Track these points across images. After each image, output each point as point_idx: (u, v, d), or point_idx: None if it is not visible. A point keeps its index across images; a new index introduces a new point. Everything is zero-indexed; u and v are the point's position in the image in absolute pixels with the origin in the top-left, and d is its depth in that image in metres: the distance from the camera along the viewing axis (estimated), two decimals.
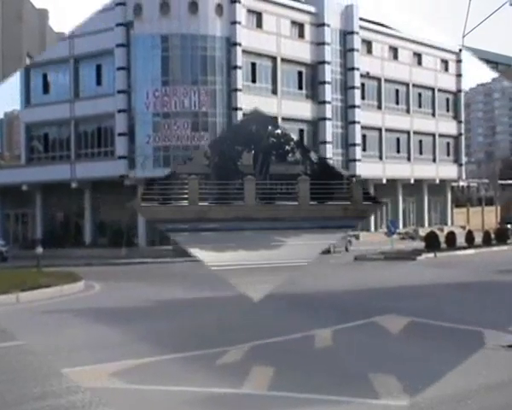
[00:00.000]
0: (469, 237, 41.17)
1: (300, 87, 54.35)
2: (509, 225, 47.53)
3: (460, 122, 68.63)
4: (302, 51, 53.82)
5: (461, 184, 71.86)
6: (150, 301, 19.55)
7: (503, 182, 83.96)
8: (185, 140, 45.56)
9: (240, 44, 47.94)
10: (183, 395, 9.46)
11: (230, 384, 9.84)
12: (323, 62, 54.84)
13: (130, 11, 45.84)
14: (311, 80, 54.75)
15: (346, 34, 57.21)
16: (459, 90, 68.31)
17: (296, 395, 9.28)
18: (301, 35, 54.10)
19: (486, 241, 41.82)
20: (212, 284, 23.33)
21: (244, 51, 48.53)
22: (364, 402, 8.91)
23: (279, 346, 12.67)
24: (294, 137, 53.37)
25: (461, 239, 40.64)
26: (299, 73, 54.27)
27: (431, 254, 35.21)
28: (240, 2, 47.91)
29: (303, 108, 53.87)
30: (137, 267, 33.73)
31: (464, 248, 39.03)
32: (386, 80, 61.24)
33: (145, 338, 13.63)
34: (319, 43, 54.71)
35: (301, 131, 54.50)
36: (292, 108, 52.35)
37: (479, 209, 61.18)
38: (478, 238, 41.77)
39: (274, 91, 51.76)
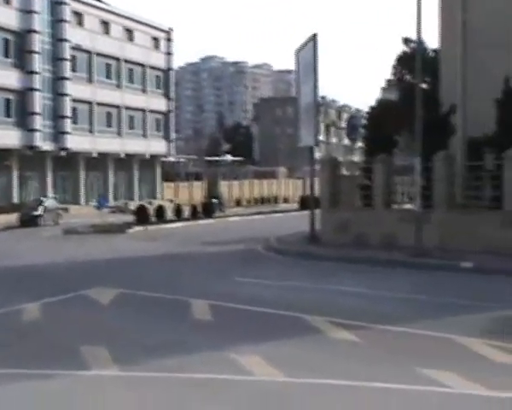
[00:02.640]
0: (178, 211, 42.58)
1: (7, 55, 52.15)
2: (214, 200, 49.68)
3: (170, 99, 70.17)
4: (8, 18, 51.62)
5: (170, 159, 73.66)
6: None
7: (209, 158, 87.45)
8: None
9: None
10: None
11: None
12: (32, 31, 53.06)
13: None
14: (18, 49, 52.72)
15: (55, 4, 55.81)
16: (169, 68, 69.76)
17: (1, 371, 9.07)
18: (8, 1, 51.87)
19: (194, 214, 43.46)
20: None
21: None
22: (75, 374, 8.94)
23: None
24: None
25: (170, 213, 41.88)
26: (6, 41, 52.01)
27: (141, 227, 35.85)
28: None
29: (9, 77, 51.78)
30: None
31: (173, 221, 40.22)
32: (98, 54, 60.80)
33: None
34: (28, 11, 52.80)
35: (8, 100, 52.35)
36: None
37: (187, 184, 63.17)
38: (186, 212, 43.38)
39: None
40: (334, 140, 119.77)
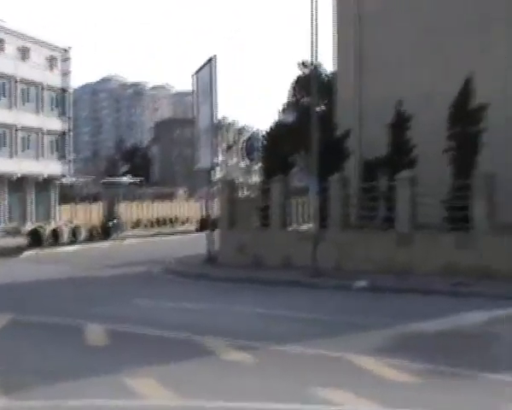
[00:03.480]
0: (75, 233, 41.78)
1: None
2: (112, 222, 49.01)
3: (67, 120, 68.94)
4: None
5: (67, 180, 72.23)
6: None
7: (107, 179, 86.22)
8: None
9: None
10: None
11: None
12: None
13: None
14: None
15: None
16: (66, 88, 68.55)
17: None
18: None
19: (91, 237, 42.74)
20: None
21: None
22: None
23: None
24: None
25: (66, 235, 41.02)
26: None
27: (35, 251, 34.97)
28: None
29: None
30: None
31: (69, 243, 39.44)
32: None
33: None
34: None
35: None
36: None
37: (85, 206, 62.03)
38: (84, 234, 42.58)
39: None
40: (233, 161, 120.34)
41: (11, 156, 62.28)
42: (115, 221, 50.21)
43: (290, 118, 37.64)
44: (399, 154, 21.71)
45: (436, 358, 10.42)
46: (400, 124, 22.05)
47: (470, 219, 19.30)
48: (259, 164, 26.51)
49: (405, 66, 24.83)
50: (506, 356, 10.82)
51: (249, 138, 27.06)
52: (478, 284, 17.47)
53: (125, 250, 36.19)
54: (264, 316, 14.86)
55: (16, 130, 62.47)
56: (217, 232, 25.35)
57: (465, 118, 20.49)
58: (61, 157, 67.86)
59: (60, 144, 67.97)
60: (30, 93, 64.35)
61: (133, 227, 58.89)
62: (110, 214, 54.44)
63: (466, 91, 20.55)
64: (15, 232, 50.56)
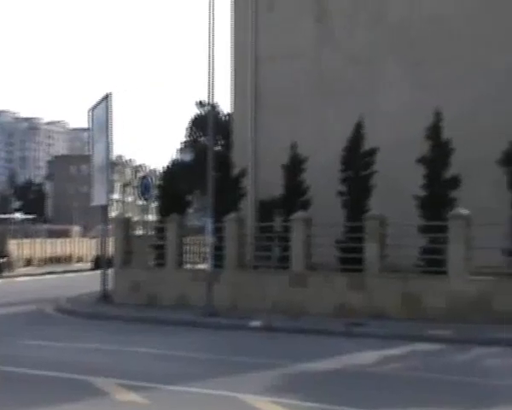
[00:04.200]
0: None
1: None
2: (1, 259, 47.55)
3: None
4: None
5: None
6: None
7: None
8: None
9: None
10: None
11: None
12: None
13: None
14: None
15: None
16: None
17: None
18: None
19: None
20: None
21: None
22: None
23: None
24: None
25: None
26: None
27: None
28: None
29: None
30: None
31: None
32: None
33: None
34: None
35: None
36: None
37: None
38: None
39: None
40: (129, 199, 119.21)
41: None
42: (5, 259, 48.73)
43: (187, 157, 37.71)
44: (294, 195, 22.03)
45: (324, 397, 10.54)
46: (295, 165, 22.40)
47: (362, 261, 19.71)
48: (155, 203, 26.35)
49: (302, 108, 25.32)
50: (391, 394, 11.05)
51: (145, 177, 26.86)
52: (370, 325, 17.80)
53: (16, 289, 35.07)
54: (157, 356, 14.68)
55: None
56: (111, 271, 24.96)
57: (357, 161, 21.03)
58: None
59: None
60: None
61: (25, 265, 57.19)
62: (0, 251, 52.80)
63: (357, 135, 21.12)
64: None
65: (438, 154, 19.77)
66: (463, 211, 18.54)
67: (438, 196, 19.54)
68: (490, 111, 21.96)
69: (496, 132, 20.66)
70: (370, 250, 19.59)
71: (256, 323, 18.59)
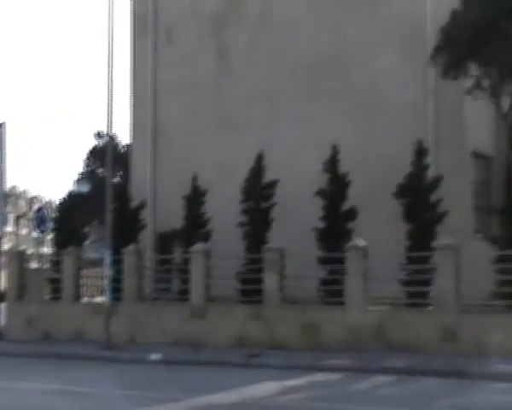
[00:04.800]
0: None
1: None
2: None
3: None
4: None
5: None
6: None
7: None
8: None
9: None
10: None
11: None
12: None
13: None
14: None
15: None
16: None
17: None
18: None
19: None
20: None
21: None
22: None
23: None
24: None
25: None
26: None
27: None
28: None
29: None
30: None
31: None
32: None
33: None
34: None
35: None
36: None
37: None
38: None
39: None
40: (24, 231, 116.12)
41: None
42: None
43: (84, 188, 37.09)
44: (195, 226, 21.98)
45: None
46: (196, 197, 22.38)
47: (262, 292, 19.80)
48: (51, 235, 25.76)
49: (202, 140, 25.41)
50: None
51: (41, 208, 26.23)
52: (270, 356, 17.86)
53: None
54: (52, 392, 14.23)
55: None
56: (4, 305, 24.17)
57: (257, 193, 21.20)
58: None
59: None
60: None
61: None
62: None
63: (258, 167, 21.32)
64: None
65: (335, 186, 20.16)
66: (360, 243, 18.93)
67: (336, 228, 19.89)
68: (385, 144, 22.59)
69: (391, 165, 21.25)
70: (270, 282, 19.71)
71: (155, 356, 18.36)
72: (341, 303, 18.91)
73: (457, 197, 20.70)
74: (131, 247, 21.99)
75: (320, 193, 20.28)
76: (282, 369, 16.59)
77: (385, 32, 23.19)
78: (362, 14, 23.69)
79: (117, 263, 21.18)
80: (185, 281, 21.20)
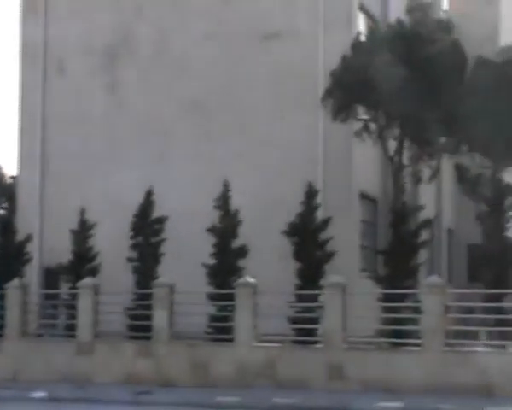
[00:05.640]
0: None
1: None
2: None
3: None
4: None
5: None
6: None
7: None
8: None
9: None
10: None
11: None
12: None
13: None
14: None
15: None
16: None
17: None
18: None
19: None
20: None
21: None
22: None
23: None
24: None
25: None
26: None
27: None
28: None
29: None
30: None
31: None
32: None
33: None
34: None
35: None
36: None
37: None
38: None
39: None
40: None
41: None
42: None
43: None
44: (83, 261, 21.62)
45: None
46: (83, 231, 22.02)
47: (151, 328, 19.61)
48: None
49: (93, 172, 25.11)
50: None
51: None
52: (158, 393, 17.68)
53: None
54: None
55: None
56: None
57: (146, 228, 21.09)
58: None
59: None
60: None
61: None
62: None
63: (147, 202, 21.22)
64: None
65: (227, 224, 20.29)
66: (250, 279, 19.06)
67: (226, 265, 19.99)
68: (276, 184, 22.99)
69: (282, 205, 21.63)
70: (159, 318, 19.54)
71: (40, 394, 17.84)
72: (230, 340, 18.95)
73: (345, 237, 21.27)
74: (16, 281, 21.35)
75: (212, 230, 20.35)
76: (172, 406, 16.45)
77: (277, 72, 23.67)
78: (254, 53, 24.11)
79: (0, 298, 20.53)
80: (72, 317, 20.74)
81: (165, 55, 25.24)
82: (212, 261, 20.11)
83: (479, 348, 17.89)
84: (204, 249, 20.18)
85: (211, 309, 19.71)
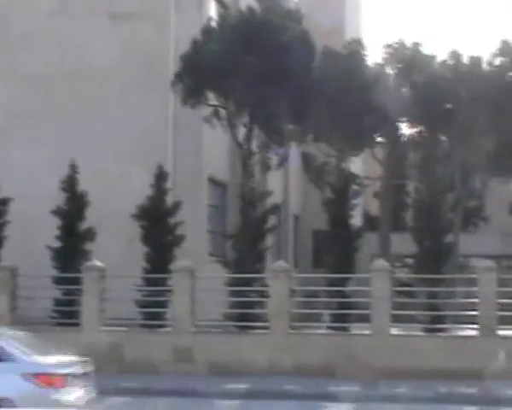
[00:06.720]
0: None
1: None
2: None
3: None
4: None
5: None
6: None
7: None
8: None
9: None
10: None
11: None
12: None
13: None
14: None
15: None
16: None
17: None
18: None
19: None
20: None
21: None
22: None
23: None
24: None
25: None
26: None
27: None
28: None
29: None
30: None
31: None
32: None
33: None
34: None
35: None
36: None
37: None
38: None
39: None
40: None
41: None
42: None
43: None
44: None
45: None
46: None
47: None
48: None
49: None
50: None
51: None
52: None
53: None
54: None
55: None
56: None
57: None
58: None
59: None
60: None
61: None
62: None
63: None
64: None
65: (73, 206, 19.77)
66: (97, 263, 18.69)
67: (72, 248, 19.48)
68: (126, 167, 22.69)
69: (132, 188, 21.36)
70: (2, 302, 18.79)
71: None
72: (77, 324, 18.52)
73: (194, 222, 21.30)
74: None
75: (56, 212, 19.75)
76: None
77: (126, 55, 23.32)
78: (103, 34, 23.59)
79: None
80: None
81: (9, 33, 24.23)
82: (57, 244, 19.55)
83: (322, 331, 18.53)
84: (51, 233, 19.58)
85: (57, 293, 19.19)
